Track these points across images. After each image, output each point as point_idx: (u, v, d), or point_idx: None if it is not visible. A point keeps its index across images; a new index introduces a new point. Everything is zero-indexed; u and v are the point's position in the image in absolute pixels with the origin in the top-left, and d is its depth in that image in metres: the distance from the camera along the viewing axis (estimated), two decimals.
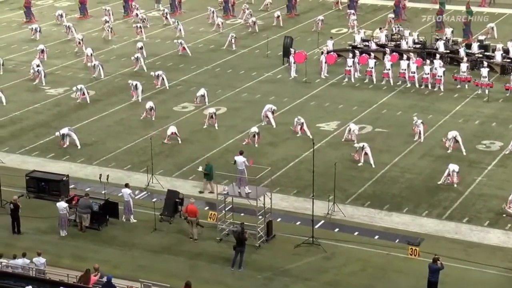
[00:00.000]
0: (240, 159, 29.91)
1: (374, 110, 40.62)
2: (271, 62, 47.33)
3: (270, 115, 38.18)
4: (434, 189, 32.34)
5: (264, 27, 54.44)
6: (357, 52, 45.74)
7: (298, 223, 29.80)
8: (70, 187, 31.58)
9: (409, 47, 47.33)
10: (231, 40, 49.57)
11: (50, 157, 35.26)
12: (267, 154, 35.34)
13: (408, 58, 45.10)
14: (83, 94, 41.10)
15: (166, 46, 50.57)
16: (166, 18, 54.92)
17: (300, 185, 32.60)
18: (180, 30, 51.79)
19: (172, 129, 36.47)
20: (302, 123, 36.91)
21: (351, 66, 44.37)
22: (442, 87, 42.83)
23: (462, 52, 46.03)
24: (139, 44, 48.04)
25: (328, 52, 46.19)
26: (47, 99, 42.12)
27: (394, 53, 45.78)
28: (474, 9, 54.15)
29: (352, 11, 55.31)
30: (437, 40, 47.66)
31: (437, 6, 55.46)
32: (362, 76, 44.63)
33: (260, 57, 48.71)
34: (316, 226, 28.92)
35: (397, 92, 43.00)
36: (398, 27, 50.01)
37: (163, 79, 42.99)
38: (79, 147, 35.68)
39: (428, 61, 44.06)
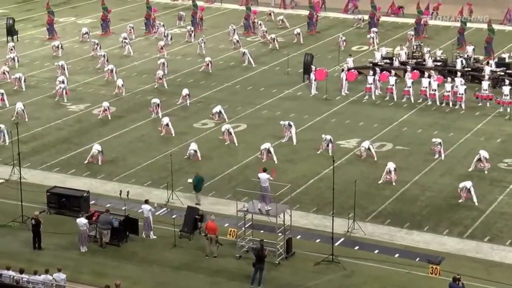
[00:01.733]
0: (263, 176, 29.82)
1: (395, 127, 40.52)
2: (291, 79, 47.39)
3: (293, 131, 38.02)
4: (455, 208, 32.15)
5: (284, 44, 54.54)
6: (377, 69, 45.71)
7: (318, 240, 29.71)
8: (90, 203, 31.69)
9: (432, 65, 47.27)
10: (248, 56, 49.70)
11: (71, 173, 35.44)
12: (287, 171, 35.31)
13: (429, 76, 44.99)
14: (105, 110, 41.35)
15: (187, 63, 50.79)
16: (190, 35, 55.15)
17: (320, 202, 32.53)
18: (202, 47, 51.97)
19: (193, 146, 36.54)
20: (330, 140, 36.80)
21: (371, 84, 44.35)
22: (463, 105, 42.65)
23: (487, 69, 45.88)
24: (161, 61, 48.36)
25: (348, 69, 46.20)
26: (69, 115, 42.39)
27: (415, 71, 45.69)
28: (496, 27, 53.95)
29: (374, 29, 55.21)
30: (458, 57, 47.56)
31: (458, 24, 55.35)
32: (383, 94, 44.58)
33: (281, 74, 48.79)
34: (336, 244, 28.84)
35: (418, 110, 42.90)
36: (419, 44, 49.97)
37: (188, 95, 43.09)
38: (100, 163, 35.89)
39: (449, 79, 43.93)
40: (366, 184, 33.87)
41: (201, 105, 43.75)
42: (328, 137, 37.01)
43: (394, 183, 33.35)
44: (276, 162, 35.76)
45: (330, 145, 36.86)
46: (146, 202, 30.20)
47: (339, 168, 34.55)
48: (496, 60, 47.30)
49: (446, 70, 46.82)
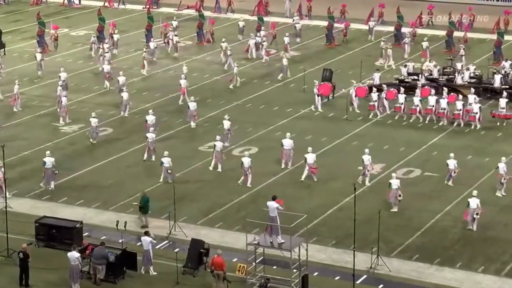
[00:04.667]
0: (272, 204, 29.82)
1: (423, 151, 40.47)
2: (308, 97, 47.44)
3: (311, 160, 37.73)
4: (492, 241, 32.01)
5: (301, 58, 54.68)
6: (384, 86, 45.85)
7: (337, 278, 29.61)
8: (83, 235, 31.68)
9: (465, 81, 47.33)
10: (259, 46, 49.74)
11: (62, 202, 35.49)
12: (303, 200, 35.26)
13: (437, 93, 44.82)
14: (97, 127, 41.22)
15: (193, 79, 50.99)
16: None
17: (339, 235, 32.44)
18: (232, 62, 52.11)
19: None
20: (369, 161, 36.87)
21: (375, 101, 44.42)
22: (478, 125, 42.77)
23: None
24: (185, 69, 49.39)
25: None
26: (61, 137, 42.54)
27: (426, 87, 45.66)
28: None
29: (406, 39, 55.18)
30: (496, 73, 47.59)
31: (495, 37, 55.41)
32: (391, 114, 44.61)
33: (296, 91, 48.87)
34: (358, 282, 28.70)
35: (449, 132, 42.86)
36: (451, 59, 50.05)
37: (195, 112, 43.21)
38: None
39: (460, 97, 44.08)
40: (391, 214, 33.76)
41: (207, 125, 43.85)
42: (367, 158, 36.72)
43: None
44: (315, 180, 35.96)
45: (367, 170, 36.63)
46: (146, 233, 30.18)
47: (361, 197, 34.39)
48: None
49: (481, 88, 46.83)
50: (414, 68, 49.94)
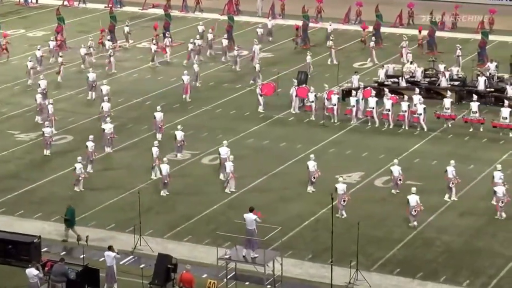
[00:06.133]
0: (250, 217, 29.78)
1: (405, 159, 40.61)
2: (282, 102, 47.50)
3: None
4: (478, 253, 32.20)
5: (274, 60, 54.74)
6: (361, 87, 46.17)
7: None
8: (42, 250, 31.49)
9: (448, 84, 47.66)
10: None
11: (19, 215, 35.27)
12: (277, 211, 35.27)
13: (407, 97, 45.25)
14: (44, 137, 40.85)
15: (158, 83, 50.91)
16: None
17: (316, 248, 32.47)
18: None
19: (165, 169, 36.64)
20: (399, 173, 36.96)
21: (353, 105, 44.71)
22: (425, 127, 43.40)
23: (510, 90, 46.27)
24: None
25: (299, 85, 46.65)
26: (17, 146, 42.30)
27: (368, 88, 46.03)
28: None
29: (404, 43, 55.12)
30: (480, 76, 47.91)
31: (479, 37, 55.81)
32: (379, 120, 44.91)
33: (289, 98, 48.74)
34: None
35: (432, 138, 43.07)
36: (433, 60, 50.33)
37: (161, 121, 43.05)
38: None
39: (406, 97, 44.55)
40: (371, 226, 33.85)
41: (174, 132, 43.67)
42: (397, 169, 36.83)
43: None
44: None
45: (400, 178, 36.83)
46: (110, 248, 30.07)
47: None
48: None
49: (465, 91, 47.13)
50: (394, 70, 50.17)
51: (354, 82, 48.18)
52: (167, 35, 56.77)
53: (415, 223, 33.96)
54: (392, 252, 32.30)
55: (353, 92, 45.61)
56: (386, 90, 45.79)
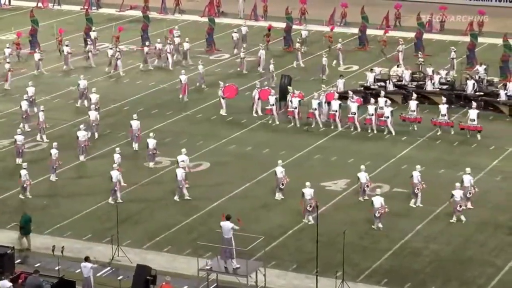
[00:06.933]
0: (226, 225, 29.86)
1: (392, 165, 40.77)
2: (264, 107, 47.52)
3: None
4: (467, 263, 32.32)
5: (256, 64, 54.77)
6: (323, 89, 46.55)
7: None
8: (15, 262, 31.38)
9: (436, 88, 47.85)
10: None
11: None
12: (260, 219, 35.30)
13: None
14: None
15: (137, 87, 50.86)
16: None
17: (301, 258, 32.50)
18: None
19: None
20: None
21: (315, 109, 44.91)
22: (392, 131, 43.72)
23: (502, 94, 46.53)
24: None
25: (262, 87, 47.00)
26: None
27: (331, 91, 46.39)
28: None
29: (400, 47, 54.97)
30: (469, 79, 48.12)
31: (467, 39, 56.06)
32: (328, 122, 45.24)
33: (251, 100, 48.87)
34: None
35: (420, 144, 43.22)
36: (421, 63, 50.52)
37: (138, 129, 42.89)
38: None
39: (372, 100, 44.78)
40: (357, 235, 33.92)
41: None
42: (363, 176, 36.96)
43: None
44: None
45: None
46: (86, 259, 30.02)
47: (324, 216, 34.61)
48: None
49: (453, 95, 47.34)
50: (381, 73, 50.35)
51: (340, 86, 48.33)
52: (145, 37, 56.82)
53: (380, 225, 34.27)
54: (378, 262, 32.38)
55: (335, 96, 45.63)
56: (350, 92, 46.03)
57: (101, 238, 33.82)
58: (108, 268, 31.92)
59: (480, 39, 56.90)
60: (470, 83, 47.59)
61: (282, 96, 47.16)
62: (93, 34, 57.17)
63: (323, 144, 43.42)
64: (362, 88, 48.49)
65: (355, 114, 44.46)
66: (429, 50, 56.68)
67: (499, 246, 33.32)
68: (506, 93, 46.77)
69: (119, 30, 57.90)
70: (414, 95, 45.26)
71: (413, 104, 44.67)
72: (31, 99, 46.56)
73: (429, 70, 49.27)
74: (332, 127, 44.70)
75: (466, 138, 43.53)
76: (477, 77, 48.72)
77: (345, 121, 44.72)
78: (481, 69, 49.91)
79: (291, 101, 45.32)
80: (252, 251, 30.05)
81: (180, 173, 37.00)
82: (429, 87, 47.94)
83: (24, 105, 44.98)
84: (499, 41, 54.53)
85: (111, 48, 54.38)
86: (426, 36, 57.88)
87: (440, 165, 40.46)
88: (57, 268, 30.17)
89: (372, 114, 44.22)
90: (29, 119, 44.49)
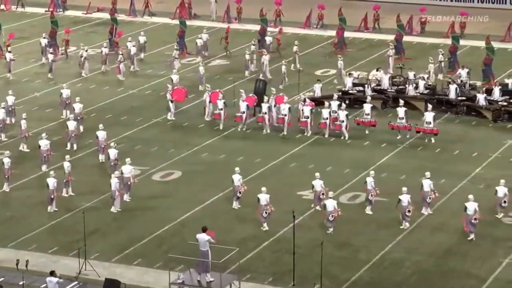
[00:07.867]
0: (203, 237, 29.82)
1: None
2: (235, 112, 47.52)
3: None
4: (449, 274, 32.44)
5: (230, 68, 54.83)
6: (273, 93, 46.46)
7: None
8: None
9: (417, 92, 48.04)
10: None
11: None
12: (234, 230, 35.31)
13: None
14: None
15: (104, 94, 50.76)
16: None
17: (277, 270, 32.51)
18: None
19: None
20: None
21: (265, 113, 45.08)
22: (347, 135, 44.22)
23: (481, 98, 46.73)
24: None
25: (256, 94, 47.10)
26: None
27: (281, 94, 46.57)
28: (496, 45, 54.98)
29: (390, 52, 54.93)
30: (451, 83, 48.32)
31: (449, 42, 56.33)
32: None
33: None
34: None
35: (400, 150, 43.36)
36: (401, 67, 50.72)
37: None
38: None
39: (326, 103, 45.07)
40: (335, 246, 33.98)
41: (122, 146, 43.54)
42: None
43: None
44: None
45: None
46: (52, 274, 29.92)
47: (301, 226, 34.66)
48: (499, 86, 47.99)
49: (435, 100, 47.53)
50: (359, 77, 50.52)
51: (317, 90, 48.46)
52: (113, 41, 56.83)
53: (331, 229, 34.59)
54: (358, 274, 32.43)
55: (307, 101, 45.71)
56: (302, 95, 46.21)
57: (68, 251, 33.70)
58: (75, 282, 31.81)
59: (462, 42, 57.06)
60: (453, 87, 47.74)
61: (257, 102, 47.04)
62: (43, 41, 56.34)
63: (299, 151, 43.45)
64: (340, 93, 48.58)
65: (308, 118, 44.51)
66: (409, 53, 56.93)
67: (482, 257, 33.47)
68: (485, 97, 46.90)
69: (66, 32, 57.56)
70: (402, 102, 45.32)
71: (367, 107, 44.94)
72: (10, 109, 46.35)
73: (410, 74, 49.43)
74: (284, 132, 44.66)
75: (447, 145, 43.69)
76: (459, 81, 48.90)
77: (317, 126, 44.79)
78: (463, 72, 50.06)
79: (302, 110, 45.19)
80: (226, 263, 30.05)
81: (114, 182, 36.91)
82: (411, 92, 48.09)
83: (1, 114, 44.80)
84: (482, 43, 54.75)
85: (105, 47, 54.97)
86: (406, 38, 58.13)
87: (423, 173, 40.53)
88: (21, 283, 30.07)
89: (327, 118, 44.34)
90: (6, 129, 44.26)
